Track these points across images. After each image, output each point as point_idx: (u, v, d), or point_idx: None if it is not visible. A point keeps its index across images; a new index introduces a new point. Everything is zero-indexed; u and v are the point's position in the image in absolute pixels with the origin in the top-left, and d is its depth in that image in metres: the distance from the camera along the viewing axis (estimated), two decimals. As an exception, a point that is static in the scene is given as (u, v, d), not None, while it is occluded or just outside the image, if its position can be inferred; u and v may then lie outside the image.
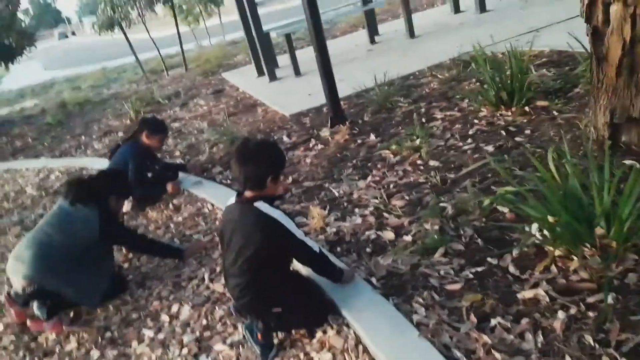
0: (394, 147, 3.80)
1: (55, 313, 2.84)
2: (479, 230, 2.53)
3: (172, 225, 3.67)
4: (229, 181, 4.18)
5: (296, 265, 2.44)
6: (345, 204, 3.27)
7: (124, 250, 3.39)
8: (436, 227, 2.67)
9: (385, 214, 2.97)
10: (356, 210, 3.14)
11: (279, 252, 2.14)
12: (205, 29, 18.22)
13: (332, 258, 2.55)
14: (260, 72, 7.70)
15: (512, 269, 2.20)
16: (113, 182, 3.15)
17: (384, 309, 2.17)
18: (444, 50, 5.93)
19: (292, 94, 6.17)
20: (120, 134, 6.82)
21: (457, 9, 8.36)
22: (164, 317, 2.72)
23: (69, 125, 8.52)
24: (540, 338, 1.82)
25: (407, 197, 3.10)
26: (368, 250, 2.70)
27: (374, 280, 2.41)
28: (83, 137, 7.27)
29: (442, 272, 2.33)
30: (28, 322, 2.87)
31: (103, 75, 15.77)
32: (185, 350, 2.43)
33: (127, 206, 4.01)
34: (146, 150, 4.10)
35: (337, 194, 3.43)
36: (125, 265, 3.35)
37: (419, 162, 3.52)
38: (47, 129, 8.66)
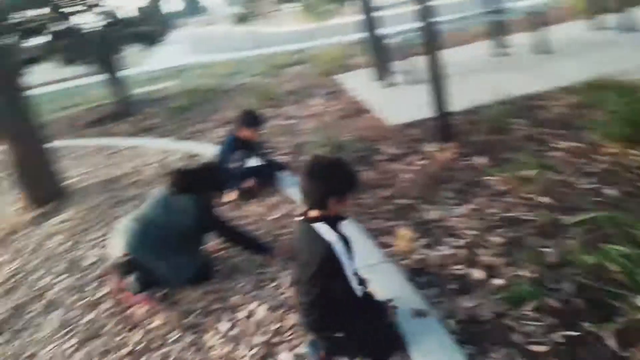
0: (503, 174, 3.55)
1: (148, 288, 3.04)
2: (581, 288, 2.27)
3: (263, 223, 3.76)
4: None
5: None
6: (437, 231, 3.12)
7: (217, 239, 3.54)
8: (533, 275, 2.44)
9: (479, 250, 2.78)
10: (448, 239, 2.98)
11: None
12: (333, 27, 18.53)
13: (408, 289, 2.45)
14: (375, 77, 7.64)
15: (612, 342, 1.94)
16: (210, 176, 3.31)
17: (453, 357, 2.02)
18: (578, 70, 5.44)
19: (403, 102, 6.05)
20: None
21: (599, 26, 7.61)
22: (241, 314, 2.79)
23: (194, 111, 9.12)
24: None
25: (507, 234, 2.89)
26: (453, 286, 2.55)
27: (452, 322, 2.26)
28: (204, 124, 7.73)
29: (529, 329, 2.13)
30: (121, 295, 3.11)
31: (234, 65, 16.68)
32: (252, 352, 2.47)
33: (232, 195, 4.20)
34: (242, 142, 4.24)
35: (430, 218, 3.29)
36: (217, 254, 3.49)
37: (528, 195, 3.25)
38: (176, 112, 9.34)
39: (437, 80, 4.29)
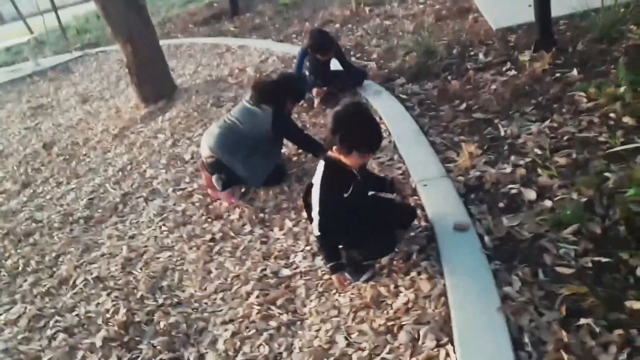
0: (591, 89, 3.29)
1: (229, 186, 3.43)
2: (630, 217, 2.18)
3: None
4: (406, 96, 4.16)
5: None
6: (506, 148, 3.06)
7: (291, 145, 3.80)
8: (584, 199, 2.38)
9: (540, 170, 2.72)
10: (512, 157, 2.93)
11: None
12: None
13: (458, 204, 2.53)
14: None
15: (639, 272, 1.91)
16: (287, 87, 3.51)
17: (479, 271, 2.13)
18: None
19: (514, 1, 5.53)
20: (337, 25, 7.11)
21: None
22: (304, 214, 3.06)
23: (301, 7, 9.11)
24: (624, 356, 1.63)
25: (574, 156, 2.76)
26: (501, 205, 2.57)
27: (487, 239, 2.33)
28: (307, 24, 7.76)
29: (561, 252, 2.14)
30: (209, 190, 3.54)
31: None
32: (308, 247, 2.75)
33: (316, 101, 4.41)
34: (314, 58, 4.37)
35: (502, 134, 3.21)
36: (293, 159, 3.76)
37: (611, 114, 3.02)
38: (282, 9, 9.40)
39: None
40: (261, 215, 3.20)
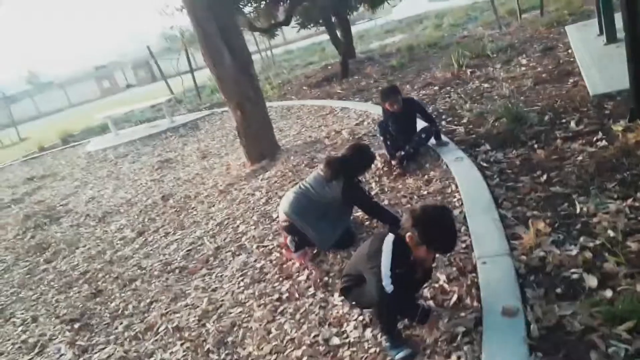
0: (686, 167, 3.05)
1: (301, 248, 3.65)
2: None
3: (415, 197, 3.99)
4: (487, 164, 4.13)
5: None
6: (578, 226, 2.93)
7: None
8: (649, 293, 2.21)
9: (609, 255, 2.57)
10: (582, 238, 2.79)
11: None
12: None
13: (514, 286, 2.48)
14: (601, 30, 6.68)
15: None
16: (355, 160, 3.70)
17: (516, 361, 2.07)
18: None
19: (617, 63, 5.25)
20: (436, 88, 7.23)
21: None
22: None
23: (406, 70, 9.39)
24: None
25: (649, 241, 2.58)
26: (558, 290, 2.47)
27: (535, 327, 2.26)
28: (407, 86, 7.98)
29: (610, 350, 2.02)
30: (284, 251, 3.80)
31: (465, 13, 16.12)
32: (360, 317, 2.83)
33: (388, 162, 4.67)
34: (388, 113, 4.66)
35: (577, 211, 3.08)
36: (366, 223, 3.90)
37: None
38: (390, 71, 9.76)
39: (633, 39, 3.73)
40: (326, 278, 3.36)
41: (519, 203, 3.41)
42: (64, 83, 42.60)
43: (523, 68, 6.64)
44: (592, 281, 2.44)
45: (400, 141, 4.67)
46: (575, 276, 2.52)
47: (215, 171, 6.80)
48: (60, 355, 3.58)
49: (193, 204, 5.77)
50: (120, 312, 3.93)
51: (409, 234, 2.29)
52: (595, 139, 3.91)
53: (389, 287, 2.28)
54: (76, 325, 3.90)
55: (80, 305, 4.21)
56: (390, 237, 2.38)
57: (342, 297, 2.89)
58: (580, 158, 3.71)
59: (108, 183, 8.13)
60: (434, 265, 2.82)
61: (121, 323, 3.74)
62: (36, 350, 3.76)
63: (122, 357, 3.28)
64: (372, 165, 4.07)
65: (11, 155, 14.75)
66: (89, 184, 8.46)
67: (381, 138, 4.79)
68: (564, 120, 4.43)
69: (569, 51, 6.66)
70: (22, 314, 4.45)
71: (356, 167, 3.70)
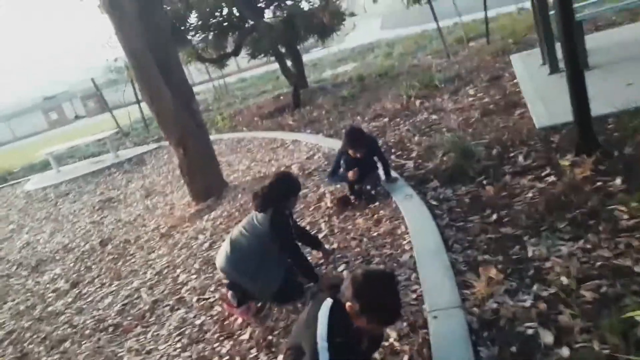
0: (634, 204, 2.97)
1: (244, 302, 3.37)
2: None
3: (365, 240, 3.79)
4: (437, 202, 3.99)
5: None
6: (530, 273, 2.79)
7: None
8: (607, 349, 2.06)
9: (563, 306, 2.42)
10: (535, 286, 2.65)
11: None
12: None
13: (466, 345, 2.29)
14: (544, 60, 6.80)
15: None
16: (283, 184, 3.47)
17: None
18: None
19: (561, 94, 5.29)
20: (386, 119, 7.15)
21: None
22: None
23: (357, 100, 9.33)
24: None
25: (604, 289, 2.45)
26: (513, 349, 2.29)
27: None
28: (358, 117, 7.89)
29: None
30: (225, 305, 3.50)
31: (414, 42, 16.40)
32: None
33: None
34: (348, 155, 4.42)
35: (530, 254, 2.94)
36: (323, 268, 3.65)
37: (656, 238, 2.68)
38: (341, 102, 9.67)
39: (573, 68, 3.71)
40: (270, 337, 3.09)
41: (470, 246, 3.27)
42: (9, 115, 40.89)
43: (470, 99, 6.65)
44: (547, 337, 2.28)
45: (360, 177, 4.45)
46: (530, 331, 2.36)
47: (158, 211, 6.45)
48: None
49: (132, 250, 5.40)
50: (43, 381, 3.52)
51: (349, 303, 2.05)
52: (543, 173, 3.84)
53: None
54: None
55: (0, 375, 3.77)
56: (327, 303, 2.13)
57: None
58: (529, 195, 3.62)
59: (46, 226, 7.61)
60: (385, 332, 2.59)
61: (45, 396, 3.34)
62: None
63: None
64: (299, 194, 3.76)
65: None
66: (25, 227, 7.92)
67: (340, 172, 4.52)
68: (511, 155, 4.37)
69: (515, 81, 6.72)
70: None
71: (282, 195, 3.43)
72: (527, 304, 2.53)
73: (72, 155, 13.41)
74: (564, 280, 2.60)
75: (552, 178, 3.72)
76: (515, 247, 3.07)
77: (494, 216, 3.50)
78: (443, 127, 5.84)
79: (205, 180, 6.03)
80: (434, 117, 6.44)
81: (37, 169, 13.26)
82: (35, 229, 7.61)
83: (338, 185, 4.78)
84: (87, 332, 3.96)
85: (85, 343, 3.81)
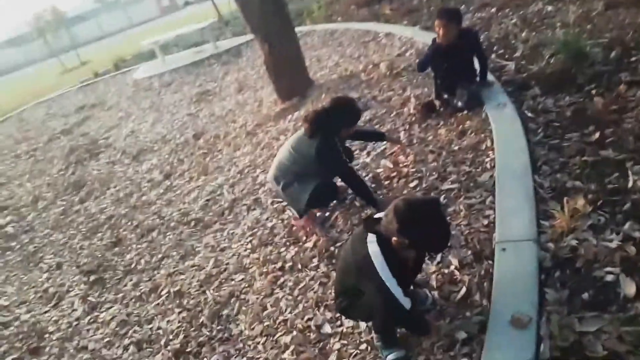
0: None
1: (306, 212, 3.33)
2: None
3: (444, 154, 3.51)
4: (533, 113, 3.54)
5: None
6: (626, 207, 2.42)
7: None
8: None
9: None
10: (628, 224, 2.31)
11: None
12: None
13: (532, 285, 2.09)
14: None
15: None
16: (340, 112, 3.17)
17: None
18: None
19: None
20: (493, 10, 6.36)
21: None
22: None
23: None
24: None
25: None
26: (585, 296, 2.06)
27: (546, 345, 1.89)
28: (462, 6, 7.07)
29: None
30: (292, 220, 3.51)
31: None
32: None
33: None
34: (440, 46, 3.87)
35: (630, 184, 2.55)
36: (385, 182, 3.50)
37: None
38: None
39: None
40: (332, 248, 3.07)
41: (561, 168, 2.89)
42: (125, 2, 42.67)
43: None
44: (629, 288, 1.99)
45: (450, 80, 4.01)
46: (609, 277, 2.08)
47: (247, 107, 6.50)
48: (72, 310, 3.60)
49: (220, 146, 5.56)
50: (133, 266, 3.89)
51: (394, 238, 1.90)
52: (668, 86, 3.20)
53: (407, 303, 1.95)
54: (92, 278, 3.91)
55: (100, 255, 4.22)
56: (372, 240, 1.99)
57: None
58: (645, 112, 3.06)
59: (149, 115, 8.07)
60: (426, 258, 2.46)
61: (131, 280, 3.70)
62: (53, 301, 3.81)
63: (124, 321, 3.23)
64: (357, 123, 3.40)
65: (71, 80, 15.10)
66: (132, 116, 8.46)
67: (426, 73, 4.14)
68: (633, 59, 3.68)
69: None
70: (50, 259, 4.54)
71: (337, 123, 3.17)
72: (614, 244, 2.22)
73: (177, 44, 13.79)
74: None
75: (678, 93, 3.10)
76: (614, 175, 2.66)
77: (597, 134, 3.03)
78: (558, 22, 5.04)
79: (290, 78, 5.88)
80: (549, 8, 5.56)
81: (145, 58, 13.88)
82: (140, 117, 8.10)
83: (425, 89, 4.39)
84: (173, 224, 4.23)
85: (169, 234, 4.09)
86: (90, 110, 9.97)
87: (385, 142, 3.75)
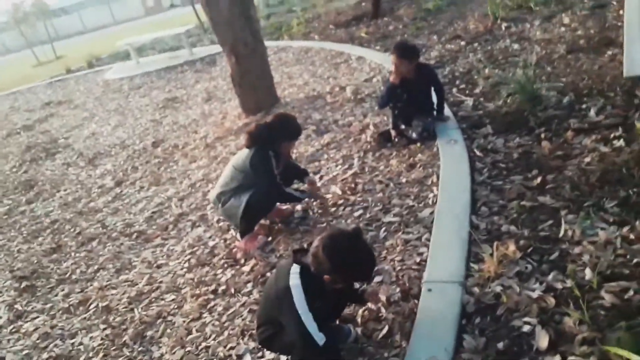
0: None
1: (248, 232, 3.32)
2: None
3: (391, 185, 3.51)
4: (482, 152, 3.57)
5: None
6: (553, 257, 2.43)
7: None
8: None
9: (573, 307, 2.10)
10: (551, 275, 2.31)
11: None
12: None
13: (451, 331, 2.07)
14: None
15: None
16: (281, 126, 3.26)
17: None
18: None
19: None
20: (463, 43, 6.46)
21: None
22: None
23: (440, 16, 8.48)
24: None
25: (632, 293, 2.08)
26: (500, 345, 2.04)
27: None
28: (434, 37, 7.19)
29: None
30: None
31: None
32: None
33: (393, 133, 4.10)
34: (392, 83, 3.94)
35: (560, 234, 2.56)
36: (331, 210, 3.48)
37: None
38: (422, 15, 8.84)
39: None
40: (268, 274, 3.01)
41: (499, 211, 2.90)
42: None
43: (562, 29, 5.77)
44: (543, 340, 1.99)
45: (407, 112, 4.05)
46: (526, 328, 2.07)
47: (211, 119, 6.44)
48: (-2, 318, 3.46)
49: (177, 156, 5.48)
50: (67, 275, 3.77)
51: (326, 276, 1.95)
52: (612, 135, 3.27)
53: (320, 339, 1.91)
54: (23, 285, 3.78)
55: (36, 262, 4.09)
56: (295, 270, 1.98)
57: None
58: (587, 159, 3.11)
59: (112, 118, 7.93)
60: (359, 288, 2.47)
61: (63, 290, 3.58)
62: (-22, 306, 3.66)
63: (46, 333, 3.11)
64: (297, 140, 3.53)
65: (44, 74, 14.80)
66: (96, 117, 8.31)
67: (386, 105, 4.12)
68: (584, 106, 3.76)
69: (621, 12, 5.70)
70: (-15, 260, 4.37)
71: (276, 136, 3.23)
72: (535, 294, 2.22)
73: (154, 47, 13.65)
74: (587, 274, 2.24)
75: (620, 143, 3.16)
76: (547, 222, 2.68)
77: (539, 179, 3.06)
78: (520, 61, 5.15)
79: (256, 93, 5.85)
80: (515, 46, 5.70)
81: (121, 57, 13.71)
82: (103, 119, 7.95)
83: (385, 118, 4.40)
84: (114, 234, 4.13)
85: (109, 245, 3.98)
86: (56, 108, 9.76)
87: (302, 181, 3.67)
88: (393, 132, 4.15)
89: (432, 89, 4.12)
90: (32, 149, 7.23)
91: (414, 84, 3.92)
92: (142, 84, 9.66)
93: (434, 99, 4.16)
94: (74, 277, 3.70)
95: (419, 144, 3.92)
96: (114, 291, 3.34)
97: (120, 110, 8.21)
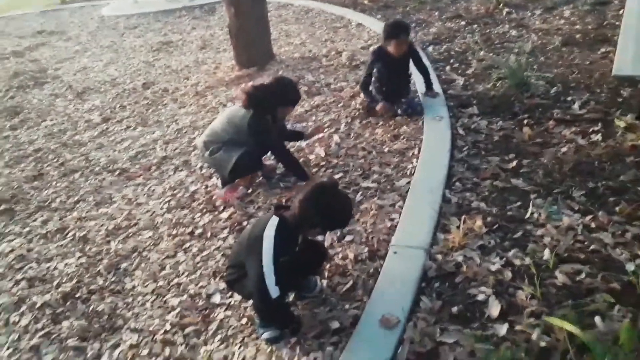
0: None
1: (225, 185, 3.41)
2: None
3: (373, 153, 3.60)
4: (465, 132, 3.67)
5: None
6: (516, 235, 2.57)
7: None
8: (544, 344, 1.91)
9: (527, 282, 2.24)
10: (512, 252, 2.44)
11: None
12: None
13: (409, 291, 2.20)
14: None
15: None
16: (278, 91, 3.26)
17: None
18: None
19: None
20: (462, 23, 6.47)
21: None
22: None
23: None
24: None
25: (582, 276, 2.23)
26: (454, 309, 2.18)
27: (406, 348, 2.00)
28: (436, 13, 7.17)
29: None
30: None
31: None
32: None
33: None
34: (385, 54, 4.00)
35: (527, 216, 2.69)
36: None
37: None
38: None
39: None
40: (245, 223, 3.11)
41: (472, 188, 3.02)
42: None
43: (562, 21, 5.81)
44: (494, 309, 2.13)
45: (395, 87, 4.13)
46: (481, 297, 2.21)
47: (204, 67, 6.40)
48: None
49: (166, 100, 5.47)
50: (47, 203, 3.82)
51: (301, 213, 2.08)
52: (591, 129, 3.39)
53: (274, 292, 2.00)
54: (2, 207, 3.81)
55: (16, 187, 4.12)
56: (272, 222, 2.06)
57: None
58: (563, 149, 3.23)
59: (105, 55, 7.82)
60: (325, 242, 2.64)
61: (42, 216, 3.64)
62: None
63: (22, 256, 3.18)
64: (295, 106, 3.56)
65: (34, 3, 14.35)
66: (88, 52, 8.18)
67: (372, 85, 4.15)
68: (569, 98, 3.86)
69: (621, 12, 5.76)
70: (-36, 180, 4.38)
71: (274, 101, 3.25)
72: (494, 267, 2.36)
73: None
74: (546, 254, 2.38)
75: (597, 137, 3.29)
76: (516, 203, 2.81)
77: (514, 163, 3.18)
78: (516, 47, 5.20)
79: (252, 47, 5.82)
80: (513, 32, 5.73)
81: (119, -6, 13.33)
82: (96, 55, 7.84)
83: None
84: (97, 169, 4.17)
85: (91, 179, 4.03)
86: (48, 37, 9.56)
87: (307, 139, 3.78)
88: (379, 106, 4.16)
89: (415, 67, 4.21)
90: (20, 75, 7.12)
91: (404, 61, 4.07)
92: (138, 24, 9.49)
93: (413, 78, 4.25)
94: (53, 205, 3.75)
95: (406, 117, 3.99)
96: (92, 222, 3.41)
97: (114, 48, 8.08)
